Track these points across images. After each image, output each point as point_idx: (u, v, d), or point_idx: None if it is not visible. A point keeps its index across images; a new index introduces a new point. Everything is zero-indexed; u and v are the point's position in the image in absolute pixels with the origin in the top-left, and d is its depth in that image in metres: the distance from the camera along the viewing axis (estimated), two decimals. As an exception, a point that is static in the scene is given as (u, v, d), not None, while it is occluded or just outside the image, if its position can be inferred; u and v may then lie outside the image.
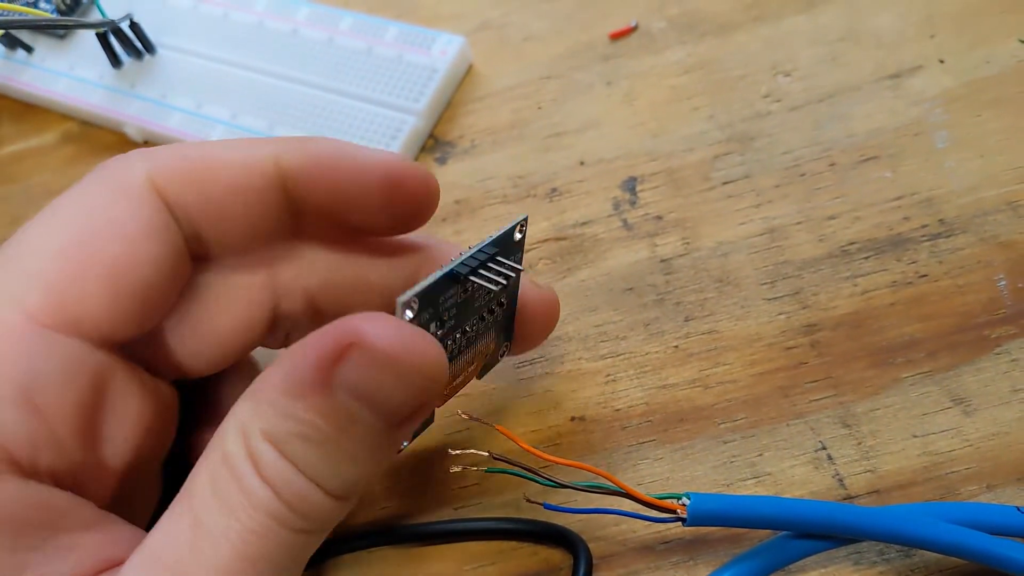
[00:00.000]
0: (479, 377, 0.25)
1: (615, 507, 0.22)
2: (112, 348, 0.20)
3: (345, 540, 0.25)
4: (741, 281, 0.28)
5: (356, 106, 0.33)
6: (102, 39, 0.34)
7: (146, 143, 0.36)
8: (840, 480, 0.24)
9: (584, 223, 0.30)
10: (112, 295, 0.19)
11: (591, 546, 0.24)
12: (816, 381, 0.26)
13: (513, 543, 0.25)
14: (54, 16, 0.37)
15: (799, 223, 0.28)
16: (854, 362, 0.26)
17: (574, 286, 0.29)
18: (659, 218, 0.29)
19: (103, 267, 0.19)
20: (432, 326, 0.20)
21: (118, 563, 0.18)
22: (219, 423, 0.25)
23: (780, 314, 0.27)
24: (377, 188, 0.21)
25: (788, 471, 0.25)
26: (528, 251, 0.30)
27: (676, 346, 0.27)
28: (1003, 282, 0.26)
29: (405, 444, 0.22)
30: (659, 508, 0.21)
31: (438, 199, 0.22)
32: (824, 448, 0.25)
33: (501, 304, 0.23)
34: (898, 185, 0.28)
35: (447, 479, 0.26)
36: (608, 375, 0.27)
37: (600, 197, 0.30)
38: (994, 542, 0.21)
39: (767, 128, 0.30)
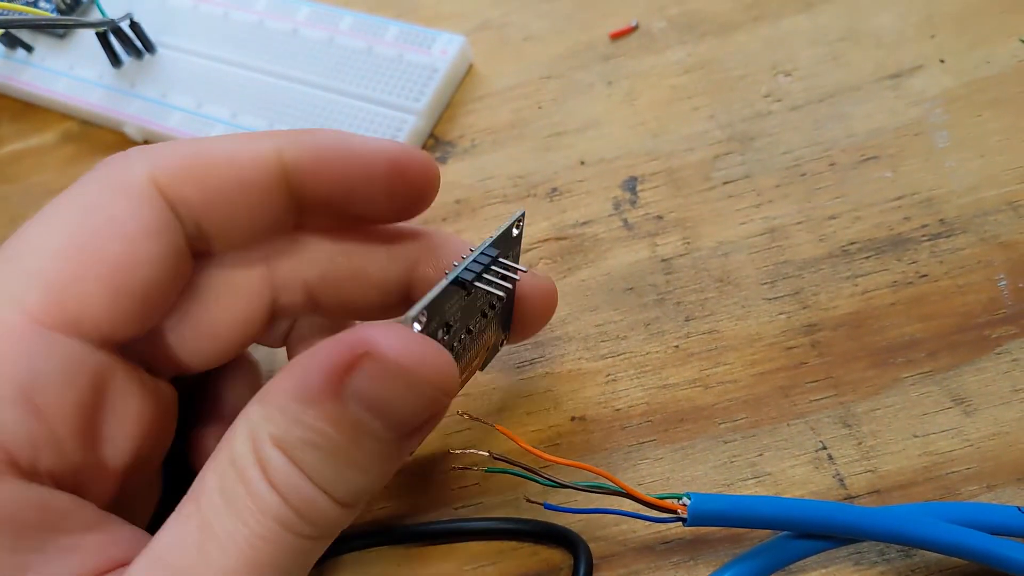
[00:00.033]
0: (481, 369, 0.25)
1: (615, 507, 0.22)
2: (112, 348, 0.20)
3: (345, 540, 0.25)
4: (741, 281, 0.28)
5: (356, 105, 0.33)
6: (102, 38, 0.34)
7: (146, 142, 0.35)
8: (840, 480, 0.24)
9: (584, 223, 0.30)
10: (112, 295, 0.19)
11: (591, 546, 0.24)
12: (816, 381, 0.26)
13: (513, 543, 0.25)
14: (54, 15, 0.37)
15: (799, 223, 0.28)
16: (854, 362, 0.26)
17: (574, 286, 0.29)
18: (659, 218, 0.29)
19: (103, 267, 0.19)
20: (439, 333, 0.20)
21: (120, 564, 0.18)
22: (219, 421, 0.25)
23: (780, 314, 0.27)
24: (381, 176, 0.21)
25: (788, 471, 0.25)
26: (528, 251, 0.30)
27: (676, 346, 0.27)
28: (1003, 282, 0.26)
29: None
30: (659, 508, 0.21)
31: (439, 183, 0.22)
32: (824, 448, 0.25)
33: (501, 299, 0.23)
34: (898, 185, 0.28)
35: (447, 479, 0.26)
36: (608, 375, 0.27)
37: (600, 197, 0.30)
38: (994, 542, 0.21)
39: (767, 128, 0.30)
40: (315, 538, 0.17)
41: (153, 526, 0.22)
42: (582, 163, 0.31)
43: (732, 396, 0.26)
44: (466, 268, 0.20)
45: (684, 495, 0.21)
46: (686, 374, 0.26)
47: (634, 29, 0.34)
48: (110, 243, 0.19)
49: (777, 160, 0.30)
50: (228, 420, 0.25)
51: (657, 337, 0.27)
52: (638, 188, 0.30)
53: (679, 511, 0.21)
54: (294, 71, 0.34)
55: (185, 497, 0.18)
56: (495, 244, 0.21)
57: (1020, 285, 0.26)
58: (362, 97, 0.33)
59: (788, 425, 0.25)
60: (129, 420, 0.20)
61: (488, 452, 0.22)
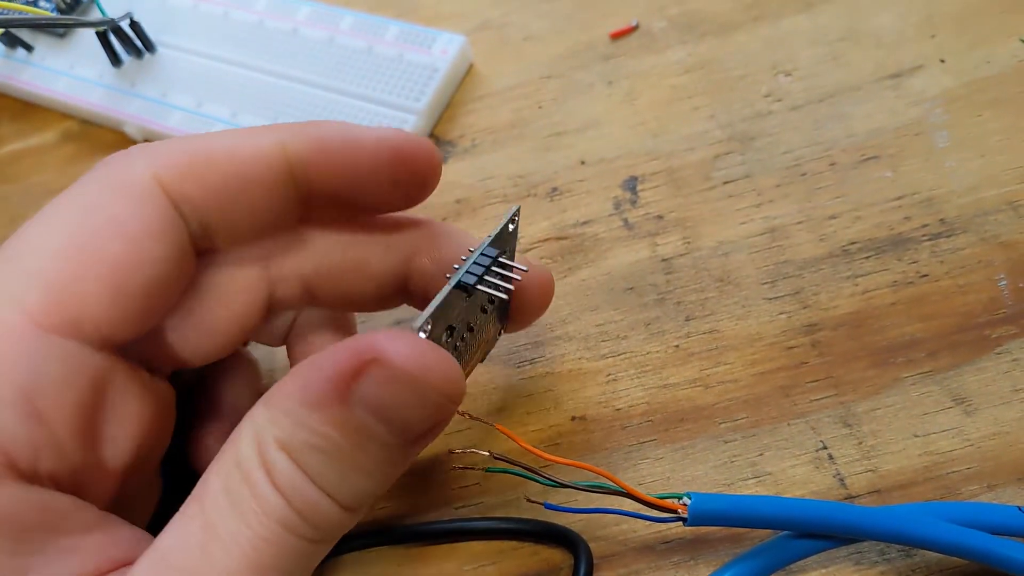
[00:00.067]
0: (481, 361, 0.25)
1: (616, 507, 0.22)
2: (112, 348, 0.20)
3: (345, 540, 0.25)
4: (742, 281, 0.28)
5: (357, 105, 0.33)
6: (102, 38, 0.34)
7: (146, 142, 0.35)
8: (841, 480, 0.24)
9: (585, 222, 0.30)
10: (113, 296, 0.19)
11: (592, 546, 0.24)
12: (817, 381, 0.26)
13: (514, 543, 0.25)
14: (54, 15, 0.37)
15: (800, 223, 0.28)
16: (855, 362, 0.26)
17: (575, 285, 0.29)
18: (660, 218, 0.29)
19: (104, 267, 0.19)
20: (444, 336, 0.20)
21: (121, 564, 0.18)
22: (219, 421, 0.25)
23: (781, 314, 0.27)
24: (386, 165, 0.21)
25: (789, 471, 0.25)
26: (529, 250, 0.30)
27: (677, 346, 0.27)
28: (1004, 282, 0.26)
29: None
30: (660, 508, 0.21)
31: (441, 170, 0.22)
32: (825, 448, 0.25)
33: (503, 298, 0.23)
34: (899, 185, 0.28)
35: (448, 479, 0.26)
36: (609, 375, 0.27)
37: (601, 196, 0.30)
38: (995, 542, 0.21)
39: (768, 128, 0.30)
40: (318, 541, 0.18)
41: (153, 525, 0.23)
42: (582, 163, 0.31)
43: (732, 396, 0.26)
44: (467, 271, 0.20)
45: (684, 495, 0.21)
46: (686, 374, 0.26)
47: (634, 29, 0.34)
48: (111, 243, 0.19)
49: (777, 160, 0.30)
50: (228, 419, 0.25)
51: (657, 337, 0.27)
52: (638, 188, 0.30)
53: (679, 511, 0.21)
54: (294, 71, 0.34)
55: (189, 498, 0.18)
56: (494, 243, 0.21)
57: (1020, 285, 0.26)
58: (362, 97, 0.33)
59: (788, 425, 0.25)
60: (129, 420, 0.20)
61: (488, 452, 0.22)
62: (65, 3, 0.38)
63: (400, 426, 0.17)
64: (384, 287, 0.23)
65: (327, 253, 0.23)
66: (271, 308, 0.23)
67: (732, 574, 0.22)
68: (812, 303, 0.27)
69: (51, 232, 0.19)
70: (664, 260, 0.29)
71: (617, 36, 0.34)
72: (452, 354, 0.21)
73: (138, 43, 0.35)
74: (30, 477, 0.18)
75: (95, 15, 0.35)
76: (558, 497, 0.23)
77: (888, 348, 0.26)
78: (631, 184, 0.30)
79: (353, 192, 0.22)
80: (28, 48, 0.38)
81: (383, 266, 0.23)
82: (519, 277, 0.21)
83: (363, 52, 0.34)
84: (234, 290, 0.22)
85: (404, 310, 0.29)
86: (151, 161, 0.20)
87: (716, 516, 0.21)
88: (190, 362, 0.22)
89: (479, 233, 0.30)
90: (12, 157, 0.37)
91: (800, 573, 0.23)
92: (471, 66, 0.35)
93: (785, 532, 0.22)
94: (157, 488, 0.24)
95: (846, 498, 0.24)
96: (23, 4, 0.36)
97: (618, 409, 0.26)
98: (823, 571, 0.23)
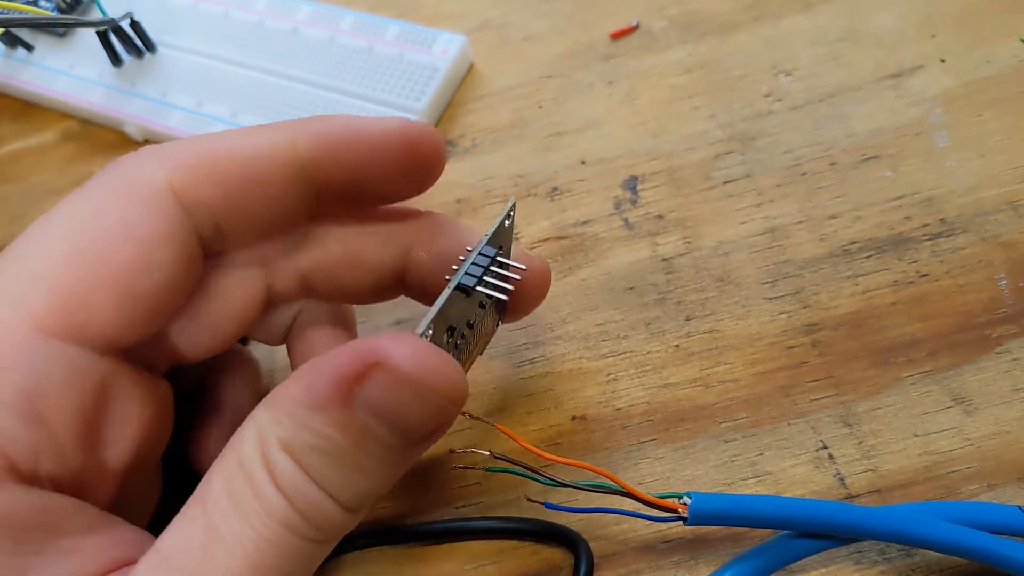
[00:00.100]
0: (480, 353, 0.25)
1: (616, 506, 0.22)
2: (116, 352, 0.20)
3: (346, 539, 0.25)
4: (742, 280, 0.28)
5: (357, 105, 0.33)
6: (102, 37, 0.34)
7: (147, 142, 0.35)
8: (841, 479, 0.24)
9: (585, 222, 0.30)
10: (120, 302, 0.19)
11: (592, 545, 0.24)
12: (817, 380, 0.26)
13: (514, 542, 0.25)
14: (54, 14, 0.37)
15: (800, 222, 0.28)
16: (855, 361, 0.26)
17: (575, 285, 0.29)
18: (660, 217, 0.29)
19: (112, 272, 0.19)
20: (445, 336, 0.20)
21: (122, 564, 0.18)
22: (220, 420, 0.25)
23: (781, 313, 0.27)
24: (395, 154, 0.21)
25: (789, 470, 0.25)
26: (529, 250, 0.30)
27: (677, 345, 0.27)
28: (1004, 281, 0.26)
29: None
30: (660, 507, 0.21)
31: (446, 154, 0.23)
32: (825, 447, 0.25)
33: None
34: (899, 185, 0.28)
35: (448, 478, 0.26)
36: (609, 374, 0.27)
37: (601, 196, 0.30)
38: (995, 541, 0.21)
39: (768, 128, 0.31)
40: (320, 541, 0.18)
41: (153, 525, 0.23)
42: (583, 162, 0.31)
43: (733, 395, 0.26)
44: (467, 273, 0.20)
45: (685, 494, 0.21)
46: (687, 373, 0.26)
47: (634, 29, 0.34)
48: (120, 248, 0.19)
49: (778, 160, 0.30)
50: (229, 419, 0.25)
51: (658, 336, 0.27)
52: (639, 187, 0.30)
53: (680, 510, 0.21)
54: (295, 70, 0.34)
55: (191, 498, 0.18)
56: (491, 240, 0.21)
57: (1020, 284, 0.26)
58: (363, 96, 0.33)
59: (789, 424, 0.25)
60: (130, 422, 0.20)
61: (489, 451, 0.22)
62: (65, 3, 0.38)
63: (402, 428, 0.17)
64: (382, 279, 0.23)
65: (325, 247, 0.23)
66: (269, 302, 0.23)
67: (732, 574, 0.22)
68: (812, 303, 0.27)
69: (59, 234, 0.19)
70: (664, 260, 0.29)
71: (617, 36, 0.34)
72: (453, 352, 0.21)
73: (138, 43, 0.35)
74: (30, 479, 0.18)
75: (95, 15, 0.35)
76: (558, 497, 0.23)
77: (888, 348, 0.26)
78: (631, 184, 0.30)
79: (362, 183, 0.22)
80: (28, 48, 0.38)
81: (381, 259, 0.23)
82: (518, 276, 0.21)
83: (363, 52, 0.34)
84: (232, 286, 0.22)
85: (405, 308, 0.29)
86: (162, 163, 0.20)
87: (716, 516, 0.21)
88: (188, 358, 0.22)
89: (480, 236, 0.30)
90: (12, 157, 0.37)
91: (800, 573, 0.23)
92: (471, 66, 0.35)
93: (785, 532, 0.22)
94: (157, 487, 0.24)
95: (846, 498, 0.24)
96: (23, 3, 0.36)
97: (618, 409, 0.26)
98: (823, 571, 0.23)
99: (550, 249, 0.30)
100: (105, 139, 0.36)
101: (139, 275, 0.19)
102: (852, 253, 0.28)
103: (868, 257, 0.27)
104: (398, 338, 0.17)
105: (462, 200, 0.31)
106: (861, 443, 0.25)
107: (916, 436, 0.24)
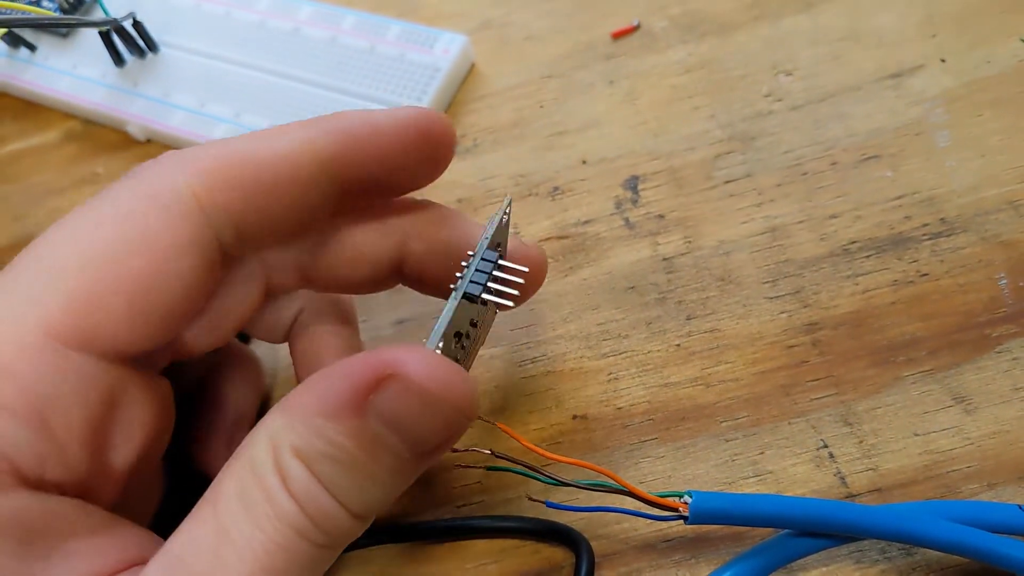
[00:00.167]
0: (481, 344, 0.25)
1: (617, 505, 0.22)
2: (126, 360, 0.20)
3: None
4: (743, 280, 0.28)
5: (359, 104, 0.33)
6: (105, 38, 0.35)
7: (149, 142, 0.36)
8: (841, 478, 0.24)
9: (586, 222, 0.30)
10: (135, 313, 0.19)
11: (593, 544, 0.24)
12: (817, 380, 0.26)
13: (515, 541, 0.25)
14: (57, 15, 0.37)
15: (801, 222, 0.28)
16: (855, 361, 0.26)
17: (576, 284, 0.29)
18: (661, 217, 0.30)
19: (130, 282, 0.19)
20: (453, 343, 0.20)
21: (128, 565, 0.18)
22: (223, 419, 0.25)
23: (782, 313, 0.27)
24: (413, 145, 0.21)
25: (790, 469, 0.25)
26: (530, 249, 0.30)
27: (678, 345, 0.27)
28: (1004, 281, 0.26)
29: None
30: (661, 506, 0.21)
31: (456, 139, 0.23)
32: (826, 446, 0.25)
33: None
34: (899, 184, 0.29)
35: (449, 477, 0.26)
36: (610, 373, 0.27)
37: (602, 196, 0.30)
38: (995, 540, 0.21)
39: (768, 127, 0.31)
40: (328, 547, 0.18)
41: (156, 523, 0.23)
42: (583, 162, 0.31)
43: (733, 394, 0.26)
44: (472, 281, 0.20)
45: (685, 493, 0.21)
46: (687, 373, 0.27)
47: (635, 29, 0.34)
48: (139, 257, 0.19)
49: (778, 159, 0.30)
50: (231, 417, 0.25)
51: (659, 336, 0.27)
52: (639, 187, 0.30)
53: (680, 509, 0.21)
54: (296, 70, 0.34)
55: (201, 500, 0.18)
56: (492, 244, 0.21)
57: (1021, 284, 0.26)
58: (364, 96, 0.33)
59: (789, 423, 0.25)
60: (135, 426, 0.20)
61: (490, 450, 0.22)
62: (68, 3, 0.38)
63: (414, 439, 0.18)
64: (380, 270, 0.24)
65: (323, 240, 0.23)
66: (268, 295, 0.23)
67: (733, 572, 0.22)
68: (813, 302, 0.27)
69: (78, 240, 0.19)
70: (665, 259, 0.29)
71: (618, 36, 0.34)
72: (460, 353, 0.21)
73: (141, 43, 0.35)
74: (36, 485, 0.18)
75: (98, 15, 0.35)
76: (559, 496, 0.23)
77: (888, 347, 0.26)
78: (632, 183, 0.30)
79: (380, 177, 0.22)
80: (31, 48, 0.38)
81: (378, 250, 0.23)
82: (522, 280, 0.21)
83: (365, 52, 0.34)
84: (232, 281, 0.22)
85: (406, 308, 0.29)
86: (184, 169, 0.20)
87: (717, 515, 0.21)
88: (188, 354, 0.22)
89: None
90: (14, 156, 0.37)
91: (801, 571, 0.23)
92: (473, 66, 0.35)
93: (786, 530, 0.22)
94: (159, 486, 0.24)
95: (847, 497, 0.24)
96: (26, 4, 0.36)
97: (619, 408, 0.26)
98: (824, 569, 0.23)
99: (551, 249, 0.30)
100: (107, 139, 0.36)
101: (157, 286, 0.19)
102: (852, 253, 0.28)
103: (868, 257, 0.27)
104: (412, 350, 0.17)
105: (463, 200, 0.32)
106: (862, 442, 0.25)
107: (916, 435, 0.24)
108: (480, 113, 0.34)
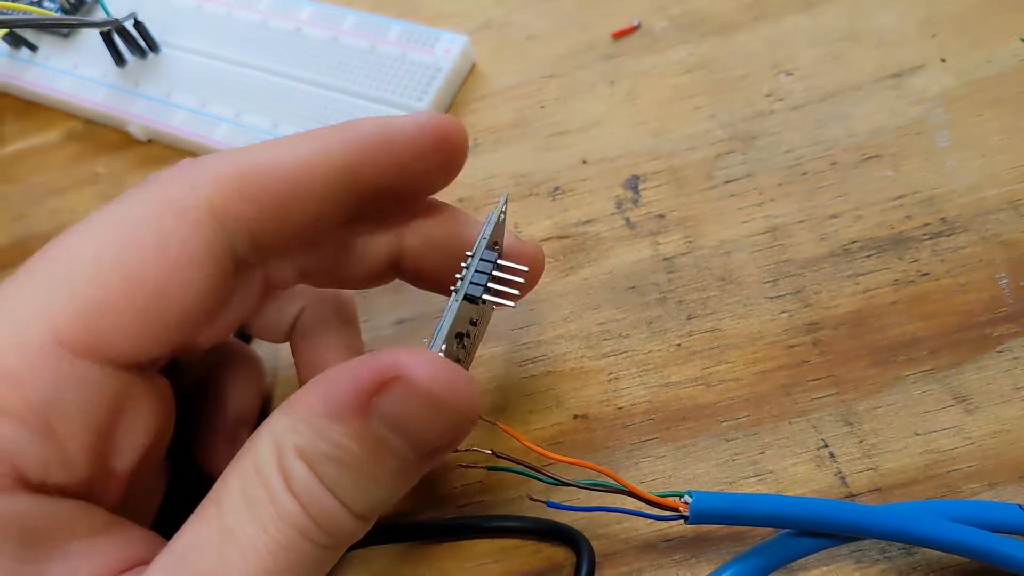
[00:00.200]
0: (480, 340, 0.25)
1: (618, 505, 0.22)
2: (132, 366, 0.20)
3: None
4: (743, 280, 0.28)
5: (360, 104, 0.33)
6: (106, 38, 0.35)
7: (150, 142, 0.36)
8: (842, 478, 0.24)
9: (587, 222, 0.30)
10: (146, 323, 0.19)
11: (594, 544, 0.24)
12: (818, 379, 0.26)
13: (516, 541, 0.25)
14: (58, 15, 0.37)
15: (801, 222, 0.28)
16: (856, 360, 0.26)
17: (577, 284, 0.29)
18: (661, 217, 0.30)
19: (141, 292, 0.19)
20: (454, 344, 0.20)
21: (132, 565, 0.18)
22: (224, 419, 0.25)
23: (782, 312, 0.27)
24: (430, 151, 0.21)
25: (790, 469, 0.25)
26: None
27: (678, 344, 0.27)
28: (1005, 280, 0.26)
29: None
30: (661, 506, 0.21)
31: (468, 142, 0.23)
32: (826, 446, 0.25)
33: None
34: (900, 184, 0.29)
35: (450, 477, 0.26)
36: (611, 373, 0.27)
37: (603, 196, 0.30)
38: (996, 540, 0.21)
39: (769, 127, 0.31)
40: (331, 548, 0.18)
41: (158, 522, 0.23)
42: (584, 162, 0.31)
43: (734, 394, 0.26)
44: (472, 282, 0.20)
45: (685, 493, 0.21)
46: (688, 372, 0.27)
47: (636, 28, 0.34)
48: (152, 267, 0.19)
49: (779, 159, 0.30)
50: (233, 417, 0.25)
51: (659, 335, 0.27)
52: (640, 187, 0.30)
53: (681, 509, 0.21)
54: (297, 70, 0.34)
55: (204, 500, 0.18)
56: (490, 243, 0.21)
57: (1021, 283, 0.26)
58: (365, 96, 0.33)
59: (790, 423, 0.25)
60: (139, 430, 0.20)
61: (491, 450, 0.22)
62: (69, 3, 0.38)
63: (417, 442, 0.18)
64: (377, 266, 0.24)
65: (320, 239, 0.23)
66: (266, 291, 0.23)
67: (733, 572, 0.22)
68: (813, 302, 0.27)
69: (92, 247, 0.19)
70: (666, 259, 0.29)
71: (619, 36, 0.34)
72: (461, 352, 0.21)
73: (142, 43, 0.35)
74: (38, 488, 0.18)
75: (99, 15, 0.35)
76: (560, 495, 0.23)
77: (889, 347, 0.26)
78: (633, 183, 0.30)
79: (396, 184, 0.22)
80: (32, 48, 0.38)
81: (375, 246, 0.23)
82: (522, 279, 0.21)
83: (366, 52, 0.34)
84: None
85: (407, 308, 0.29)
86: (200, 179, 0.20)
87: (717, 514, 0.22)
88: (187, 352, 0.22)
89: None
90: (15, 156, 0.37)
91: (801, 571, 0.23)
92: (473, 65, 0.35)
93: (786, 530, 0.22)
94: (161, 486, 0.24)
95: (847, 496, 0.24)
96: (28, 4, 0.36)
97: (620, 407, 0.26)
98: (824, 569, 0.23)
99: (552, 248, 0.30)
100: (108, 139, 0.36)
101: (169, 295, 0.19)
102: (853, 252, 0.28)
103: (869, 256, 0.27)
104: (417, 354, 0.18)
105: (464, 200, 0.32)
106: (862, 442, 0.25)
107: (917, 435, 0.25)
108: (481, 113, 0.34)
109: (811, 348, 0.26)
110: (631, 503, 0.21)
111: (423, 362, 0.18)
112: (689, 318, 0.27)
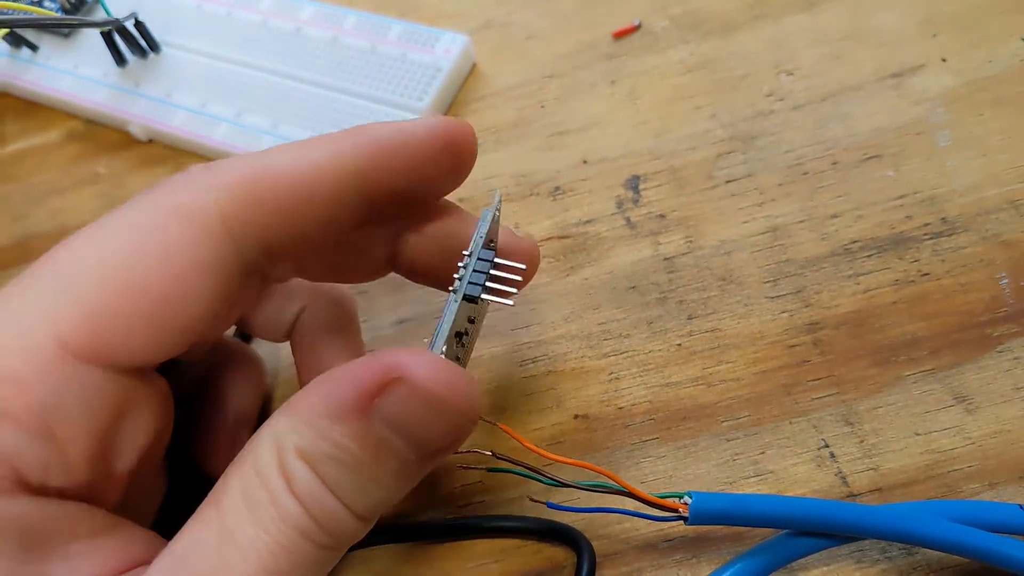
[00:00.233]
0: (477, 335, 0.25)
1: (618, 506, 0.22)
2: (135, 371, 0.20)
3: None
4: (744, 279, 0.28)
5: (360, 104, 0.33)
6: (107, 38, 0.35)
7: (150, 142, 0.36)
8: (842, 478, 0.24)
9: (587, 221, 0.30)
10: (151, 330, 0.19)
11: (594, 544, 0.24)
12: (818, 379, 0.26)
13: (516, 541, 0.25)
14: (59, 15, 0.37)
15: (802, 222, 0.28)
16: (856, 360, 0.26)
17: (577, 284, 0.29)
18: (662, 216, 0.30)
19: (147, 299, 0.19)
20: (454, 344, 0.20)
21: (133, 566, 0.18)
22: (224, 419, 0.25)
23: (783, 312, 0.27)
24: (441, 155, 0.21)
25: (790, 469, 0.25)
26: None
27: (679, 344, 0.27)
28: (1005, 280, 0.26)
29: None
30: (661, 507, 0.21)
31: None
32: (827, 446, 0.25)
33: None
34: (900, 184, 0.29)
35: (450, 477, 0.26)
36: (611, 373, 0.27)
37: (603, 196, 0.30)
38: (996, 540, 0.21)
39: (770, 127, 0.31)
40: (332, 548, 0.18)
41: (159, 523, 0.23)
42: (585, 162, 0.31)
43: (734, 394, 0.26)
44: (471, 282, 0.21)
45: (685, 494, 0.21)
46: (688, 372, 0.27)
47: (637, 28, 0.34)
48: (158, 274, 0.19)
49: (779, 159, 0.30)
50: (233, 417, 0.25)
51: (660, 335, 0.27)
52: (641, 187, 0.30)
53: (681, 510, 0.21)
54: (298, 70, 0.34)
55: (205, 501, 0.18)
56: (486, 242, 0.21)
57: (1021, 283, 0.26)
58: (366, 96, 0.33)
59: (790, 423, 0.25)
60: (140, 432, 0.20)
61: (491, 451, 0.22)
62: (70, 3, 0.38)
63: (418, 442, 0.18)
64: (374, 260, 0.24)
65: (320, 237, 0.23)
66: (264, 288, 0.23)
67: (733, 572, 0.22)
68: (814, 302, 0.27)
69: (99, 251, 0.19)
70: (666, 259, 0.29)
71: (620, 35, 0.34)
72: (460, 351, 0.21)
73: (142, 43, 0.35)
74: (38, 491, 0.18)
75: (100, 15, 0.35)
76: (560, 496, 0.23)
77: (889, 347, 0.26)
78: (633, 183, 0.30)
79: (406, 189, 0.22)
80: (33, 48, 0.38)
81: (375, 243, 0.23)
82: (520, 278, 0.21)
83: (366, 51, 0.34)
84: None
85: (407, 308, 0.29)
86: (210, 185, 0.19)
87: (717, 515, 0.22)
88: (187, 352, 0.22)
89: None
90: (16, 156, 0.37)
91: (801, 571, 0.23)
92: (474, 65, 0.35)
93: (786, 530, 0.22)
94: (161, 486, 0.24)
95: (848, 496, 0.24)
96: (28, 4, 0.36)
97: (620, 408, 0.26)
98: (824, 569, 0.23)
99: (552, 248, 0.30)
100: (109, 139, 0.36)
101: (174, 301, 0.19)
102: (853, 252, 0.28)
103: (869, 256, 0.27)
104: (418, 354, 0.18)
105: (464, 199, 0.32)
106: (862, 442, 0.25)
107: (917, 435, 0.24)
108: (481, 113, 0.34)
109: (812, 348, 0.26)
110: (631, 504, 0.21)
111: (424, 363, 0.18)
112: (690, 318, 0.27)
